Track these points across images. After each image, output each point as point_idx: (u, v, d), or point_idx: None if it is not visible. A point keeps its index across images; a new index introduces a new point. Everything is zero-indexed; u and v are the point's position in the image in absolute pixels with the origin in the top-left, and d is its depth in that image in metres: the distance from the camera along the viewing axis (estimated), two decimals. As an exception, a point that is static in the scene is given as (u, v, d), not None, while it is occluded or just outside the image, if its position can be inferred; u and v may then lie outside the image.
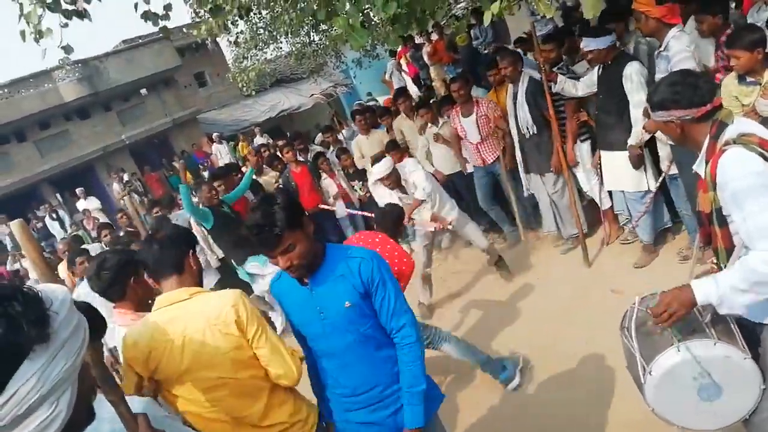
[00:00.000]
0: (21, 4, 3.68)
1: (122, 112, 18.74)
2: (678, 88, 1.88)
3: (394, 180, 4.65)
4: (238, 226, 5.47)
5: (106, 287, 2.40)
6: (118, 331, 2.38)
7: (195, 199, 5.47)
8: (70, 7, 3.94)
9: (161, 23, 4.42)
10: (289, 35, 10.53)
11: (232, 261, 5.60)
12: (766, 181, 1.67)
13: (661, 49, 3.63)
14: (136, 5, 4.26)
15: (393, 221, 3.63)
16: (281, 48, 12.53)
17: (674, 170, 3.96)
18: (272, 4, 8.11)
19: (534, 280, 4.90)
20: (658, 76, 3.57)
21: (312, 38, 11.77)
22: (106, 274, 2.36)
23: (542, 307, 4.46)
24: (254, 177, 6.36)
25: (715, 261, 1.94)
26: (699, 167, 1.91)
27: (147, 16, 4.36)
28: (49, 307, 0.97)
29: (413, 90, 12.77)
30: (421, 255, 4.93)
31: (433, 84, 11.28)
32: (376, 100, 11.96)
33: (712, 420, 1.91)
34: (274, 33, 10.52)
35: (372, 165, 4.94)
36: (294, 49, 12.15)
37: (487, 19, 3.45)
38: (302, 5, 7.28)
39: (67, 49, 4.02)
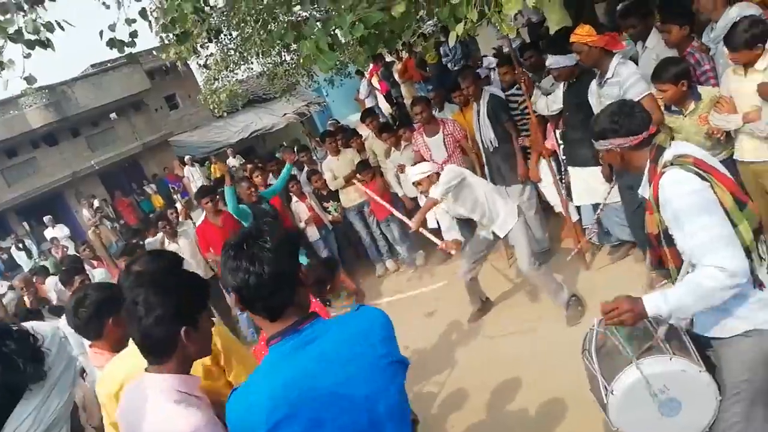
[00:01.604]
0: (-19, 36, 3.63)
1: (91, 137, 18.52)
2: (616, 118, 1.98)
3: (428, 185, 4.22)
4: (276, 222, 5.69)
5: (82, 325, 2.27)
6: (96, 372, 2.31)
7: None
8: (33, 37, 3.90)
9: (127, 50, 4.41)
10: (260, 56, 10.55)
11: None
12: (703, 200, 1.77)
13: (609, 76, 3.73)
14: (101, 33, 4.24)
15: (317, 279, 3.30)
16: (252, 68, 12.52)
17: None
18: (242, 25, 8.15)
19: (510, 294, 4.95)
20: (606, 102, 3.68)
21: (284, 58, 11.80)
22: (84, 312, 2.24)
23: (518, 320, 4.50)
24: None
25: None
26: (643, 190, 2.00)
27: (113, 43, 4.32)
28: (42, 343, 0.95)
29: (385, 107, 12.90)
30: (464, 263, 4.54)
31: (405, 101, 11.40)
32: (337, 121, 12.07)
33: (674, 434, 1.96)
34: (245, 54, 10.53)
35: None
36: (265, 69, 12.17)
37: (452, 39, 3.52)
38: (272, 26, 7.33)
39: (30, 79, 3.97)
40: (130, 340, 2.04)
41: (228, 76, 11.90)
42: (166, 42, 8.59)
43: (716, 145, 3.44)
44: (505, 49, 8.72)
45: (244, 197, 5.55)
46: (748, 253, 1.79)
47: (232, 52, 10.75)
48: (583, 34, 3.69)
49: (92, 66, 19.37)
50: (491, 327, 4.61)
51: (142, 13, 3.97)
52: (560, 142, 4.67)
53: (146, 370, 1.61)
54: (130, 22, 4.01)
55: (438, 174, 4.20)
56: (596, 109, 4.03)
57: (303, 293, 1.48)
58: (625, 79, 3.63)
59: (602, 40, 3.66)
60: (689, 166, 1.82)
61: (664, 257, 1.97)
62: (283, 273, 1.41)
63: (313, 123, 21.39)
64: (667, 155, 1.90)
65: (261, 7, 6.74)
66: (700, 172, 1.80)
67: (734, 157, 3.41)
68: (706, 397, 1.90)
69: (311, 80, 13.76)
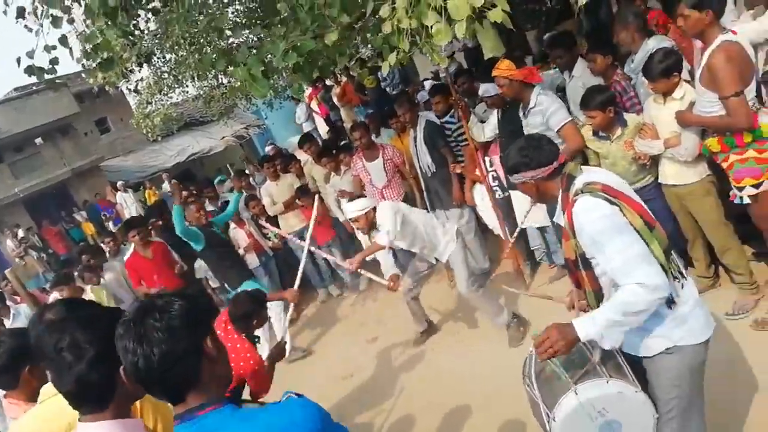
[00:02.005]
0: None
1: (15, 163, 17.59)
2: (526, 152, 2.06)
3: (365, 222, 4.12)
4: (230, 247, 5.53)
5: None
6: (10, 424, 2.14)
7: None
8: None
9: (48, 77, 4.19)
10: (196, 79, 10.32)
11: (225, 284, 5.43)
12: (615, 224, 1.86)
13: (532, 105, 3.89)
14: (18, 60, 4.02)
15: (243, 314, 3.15)
16: (188, 91, 12.24)
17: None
18: (176, 48, 7.95)
19: (452, 316, 4.97)
20: (532, 131, 3.82)
21: (220, 81, 11.59)
22: None
23: (461, 342, 4.53)
24: None
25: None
26: (559, 218, 2.07)
27: (31, 70, 4.11)
28: None
29: (324, 131, 12.87)
30: (405, 284, 4.46)
31: (344, 125, 11.40)
32: (276, 145, 11.95)
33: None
34: (180, 77, 10.27)
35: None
36: (202, 92, 11.91)
37: (385, 68, 3.55)
38: (207, 50, 7.17)
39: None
40: (39, 396, 1.89)
41: (162, 100, 11.58)
42: (91, 67, 8.28)
43: (642, 169, 3.61)
44: (442, 75, 8.95)
45: (193, 221, 5.33)
46: (662, 270, 1.88)
47: (167, 75, 10.48)
48: (504, 68, 3.84)
49: (15, 89, 18.46)
50: (435, 350, 4.61)
51: (62, 40, 3.78)
52: (490, 168, 4.77)
53: (80, 420, 1.48)
54: (49, 49, 3.82)
55: (374, 210, 4.12)
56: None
57: (214, 370, 1.32)
58: (547, 108, 3.80)
59: (521, 74, 3.82)
60: (597, 193, 1.90)
61: (581, 280, 2.04)
62: (179, 353, 1.24)
63: (252, 146, 21.06)
64: (578, 183, 1.98)
65: (195, 30, 6.61)
66: (608, 197, 1.89)
67: (659, 181, 3.59)
68: (644, 416, 1.95)
69: (250, 103, 13.59)
